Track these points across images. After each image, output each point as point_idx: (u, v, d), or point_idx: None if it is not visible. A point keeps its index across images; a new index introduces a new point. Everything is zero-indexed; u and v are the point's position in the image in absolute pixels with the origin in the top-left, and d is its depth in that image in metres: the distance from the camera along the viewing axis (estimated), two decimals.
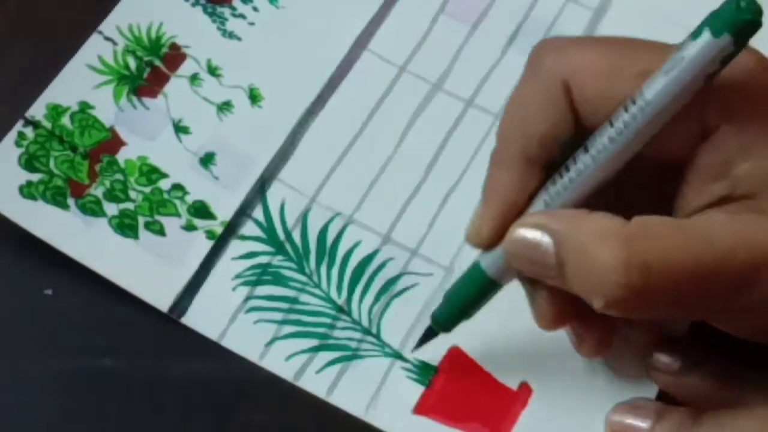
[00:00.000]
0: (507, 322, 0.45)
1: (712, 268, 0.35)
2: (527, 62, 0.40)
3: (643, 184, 0.40)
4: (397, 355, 0.45)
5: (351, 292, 0.46)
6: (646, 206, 0.37)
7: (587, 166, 0.37)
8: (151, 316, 0.45)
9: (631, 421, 0.42)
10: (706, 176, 0.37)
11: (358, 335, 0.45)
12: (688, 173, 0.38)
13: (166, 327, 0.45)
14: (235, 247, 0.46)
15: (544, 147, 0.38)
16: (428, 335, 0.44)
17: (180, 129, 0.48)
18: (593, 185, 0.37)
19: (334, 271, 0.46)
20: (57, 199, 0.46)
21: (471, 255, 0.46)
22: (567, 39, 0.41)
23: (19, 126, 0.47)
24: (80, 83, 0.48)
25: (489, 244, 0.40)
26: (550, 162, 0.38)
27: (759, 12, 0.34)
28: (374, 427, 0.43)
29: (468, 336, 0.45)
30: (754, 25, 0.34)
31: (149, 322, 0.45)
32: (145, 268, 0.45)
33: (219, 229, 0.46)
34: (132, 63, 0.49)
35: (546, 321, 0.41)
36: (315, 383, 0.44)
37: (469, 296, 0.42)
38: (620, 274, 0.35)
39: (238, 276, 0.46)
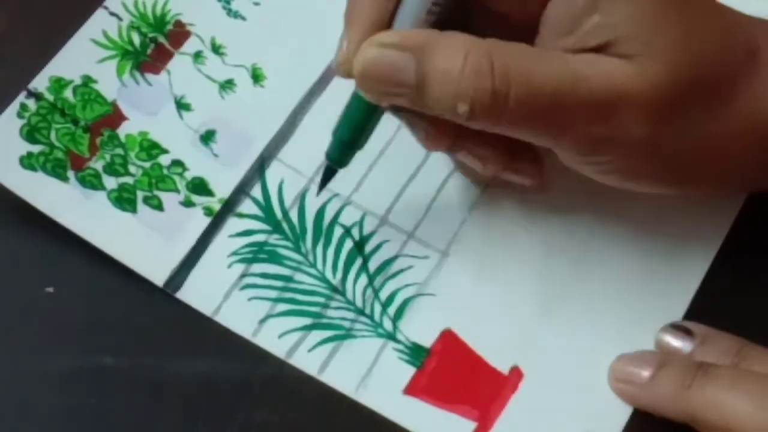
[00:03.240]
0: (500, 306, 0.45)
1: (569, 88, 0.38)
2: None
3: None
4: (390, 336, 0.45)
5: (346, 272, 0.46)
6: None
7: None
8: (153, 315, 0.45)
9: (632, 369, 0.42)
10: (558, 31, 0.39)
11: (351, 315, 0.45)
12: (542, 29, 0.40)
13: (167, 326, 0.45)
14: (233, 224, 0.46)
15: None
16: (328, 174, 0.44)
17: (182, 106, 0.48)
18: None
19: (330, 252, 0.46)
20: (57, 171, 0.46)
21: (468, 239, 0.46)
22: None
23: (21, 97, 0.47)
24: (84, 57, 0.48)
25: None
26: None
27: None
28: (374, 426, 0.44)
29: (461, 319, 0.45)
30: None
31: (150, 321, 0.45)
32: (142, 242, 0.46)
33: (217, 206, 0.47)
34: (136, 39, 0.49)
35: (433, 143, 0.42)
36: (307, 361, 0.44)
37: (354, 125, 0.42)
38: (485, 80, 0.37)
39: (234, 253, 0.46)
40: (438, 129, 0.41)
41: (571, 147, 0.40)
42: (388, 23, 0.39)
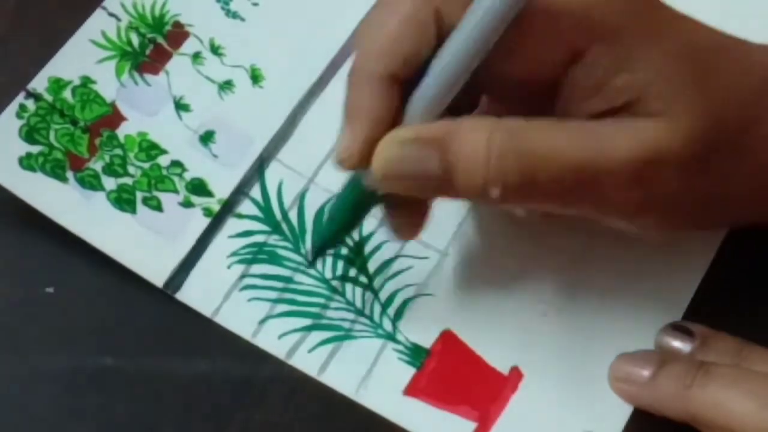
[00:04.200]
0: (500, 306, 0.45)
1: (600, 160, 0.37)
2: None
3: (522, 104, 0.40)
4: (390, 337, 0.45)
5: (345, 273, 0.46)
6: None
7: (445, 71, 0.38)
8: (153, 314, 0.45)
9: (632, 368, 0.43)
10: (582, 93, 0.39)
11: (351, 316, 0.45)
12: (565, 91, 0.39)
13: (167, 326, 0.45)
14: (232, 225, 0.46)
15: (408, 65, 0.38)
16: (318, 254, 0.45)
17: (181, 106, 0.48)
18: (452, 94, 0.38)
19: (330, 252, 0.46)
20: (56, 171, 0.46)
21: (468, 240, 0.46)
22: None
23: (20, 98, 0.47)
24: (83, 58, 0.48)
25: (362, 164, 0.39)
26: (407, 80, 0.39)
27: None
28: (374, 426, 0.44)
29: (460, 319, 0.45)
30: None
31: (150, 321, 0.45)
32: (141, 243, 0.46)
33: (216, 207, 0.47)
34: (135, 39, 0.49)
35: (405, 233, 0.42)
36: (307, 362, 0.44)
37: (349, 210, 0.42)
38: (513, 161, 0.37)
39: (233, 254, 0.46)
40: (414, 220, 0.42)
41: (609, 213, 0.40)
42: (393, 118, 0.39)
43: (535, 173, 0.37)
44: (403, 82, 0.38)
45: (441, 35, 0.38)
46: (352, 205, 0.41)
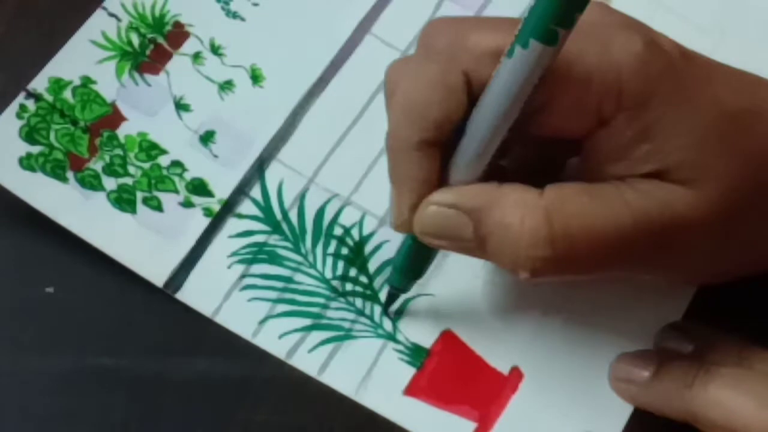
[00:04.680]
0: (500, 306, 0.45)
1: (632, 230, 0.37)
2: (419, 43, 0.40)
3: (551, 155, 0.41)
4: (390, 337, 0.45)
5: (346, 273, 0.46)
6: (555, 173, 0.40)
7: (479, 134, 0.38)
8: (153, 314, 0.45)
9: (633, 368, 0.43)
10: (607, 158, 0.38)
11: (351, 316, 0.45)
12: (590, 152, 0.39)
13: (167, 326, 0.45)
14: (232, 225, 0.46)
15: (441, 130, 0.38)
16: (391, 298, 0.45)
17: (181, 106, 0.48)
18: (489, 154, 0.38)
19: (330, 252, 0.46)
20: (56, 171, 0.46)
21: None
22: (463, 22, 0.41)
23: (20, 98, 0.47)
24: (83, 58, 0.48)
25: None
26: (446, 142, 0.39)
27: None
28: (375, 426, 0.44)
29: (461, 320, 0.45)
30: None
31: (150, 321, 0.45)
32: (141, 243, 0.46)
33: (216, 207, 0.47)
34: (135, 39, 0.49)
35: None
36: (307, 362, 0.44)
37: (412, 262, 0.43)
38: (544, 247, 0.37)
39: (234, 254, 0.46)
40: None
41: (638, 275, 0.41)
42: (436, 180, 0.39)
43: (569, 254, 0.37)
44: (442, 144, 0.38)
45: (471, 95, 0.38)
46: (414, 256, 0.42)
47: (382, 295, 0.45)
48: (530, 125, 0.38)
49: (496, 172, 0.39)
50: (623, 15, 0.39)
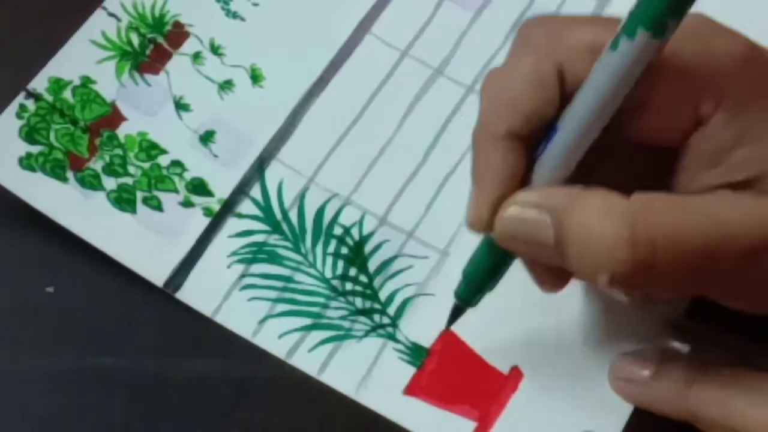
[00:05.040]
0: (500, 306, 0.45)
1: (718, 243, 0.35)
2: (516, 37, 0.39)
3: (640, 166, 0.40)
4: (390, 337, 0.45)
5: (346, 272, 0.46)
6: (643, 188, 0.37)
7: (572, 131, 0.37)
8: (153, 314, 0.45)
9: (633, 368, 0.42)
10: (702, 163, 0.37)
11: (351, 316, 0.45)
12: (685, 159, 0.38)
13: (167, 326, 0.45)
14: (232, 224, 0.46)
15: (530, 124, 0.37)
16: (456, 312, 0.43)
17: (181, 106, 0.48)
18: (580, 154, 0.37)
19: (330, 252, 0.46)
20: (56, 171, 0.46)
21: (467, 239, 0.46)
22: (560, 18, 0.40)
23: (20, 98, 0.47)
24: (83, 58, 0.48)
25: (492, 227, 0.39)
26: (532, 139, 0.38)
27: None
28: (375, 426, 0.44)
29: (461, 319, 0.45)
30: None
31: (150, 320, 0.45)
32: (141, 242, 0.46)
33: (216, 207, 0.47)
34: (135, 39, 0.49)
35: (549, 287, 0.41)
36: (307, 361, 0.44)
37: (485, 269, 0.41)
38: (626, 250, 0.35)
39: (233, 253, 0.46)
40: (552, 275, 0.41)
41: (720, 294, 0.39)
42: (520, 177, 0.38)
43: (652, 262, 0.35)
44: (528, 141, 0.38)
45: (564, 92, 0.37)
46: (488, 264, 0.41)
47: (382, 294, 0.45)
48: (625, 128, 0.37)
49: (582, 177, 0.38)
50: (723, 24, 0.38)
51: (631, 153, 0.39)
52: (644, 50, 0.35)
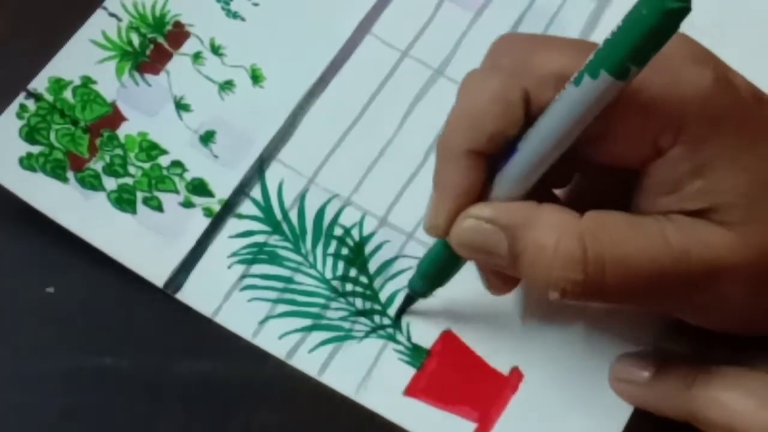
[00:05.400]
0: (500, 307, 0.45)
1: (668, 267, 0.37)
2: (486, 56, 0.40)
3: (606, 182, 0.41)
4: (390, 337, 0.45)
5: (346, 273, 0.46)
6: (609, 201, 0.39)
7: (531, 154, 0.38)
8: (153, 314, 0.45)
9: (633, 368, 0.43)
10: (659, 189, 0.38)
11: (351, 316, 0.45)
12: (644, 182, 0.39)
13: (167, 326, 0.45)
14: (232, 225, 0.46)
15: (493, 143, 0.38)
16: (407, 302, 0.45)
17: (181, 106, 0.48)
18: (537, 176, 0.38)
19: (330, 252, 0.46)
20: (56, 171, 0.46)
21: None
22: (533, 40, 0.41)
23: (21, 98, 0.47)
24: (83, 58, 0.48)
25: (447, 234, 0.40)
26: (495, 154, 0.39)
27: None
28: (375, 427, 0.44)
29: (461, 320, 0.45)
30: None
31: (150, 321, 0.45)
32: (142, 243, 0.46)
33: (217, 207, 0.47)
34: (135, 39, 0.49)
35: (496, 290, 0.42)
36: (307, 362, 0.44)
37: (439, 267, 0.43)
38: (576, 270, 0.37)
39: (234, 254, 0.46)
40: (501, 281, 0.42)
41: (673, 312, 0.41)
42: (478, 191, 0.39)
43: (601, 280, 0.37)
44: (489, 158, 0.39)
45: (529, 115, 0.38)
46: (441, 263, 0.42)
47: (382, 295, 0.45)
48: (586, 151, 0.38)
49: (537, 193, 0.39)
50: (700, 47, 0.38)
51: (596, 170, 0.40)
52: (605, 91, 0.35)
